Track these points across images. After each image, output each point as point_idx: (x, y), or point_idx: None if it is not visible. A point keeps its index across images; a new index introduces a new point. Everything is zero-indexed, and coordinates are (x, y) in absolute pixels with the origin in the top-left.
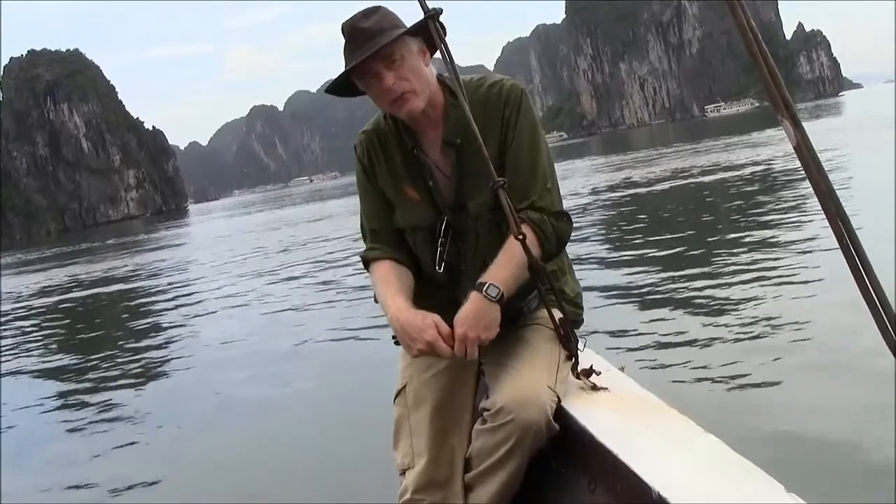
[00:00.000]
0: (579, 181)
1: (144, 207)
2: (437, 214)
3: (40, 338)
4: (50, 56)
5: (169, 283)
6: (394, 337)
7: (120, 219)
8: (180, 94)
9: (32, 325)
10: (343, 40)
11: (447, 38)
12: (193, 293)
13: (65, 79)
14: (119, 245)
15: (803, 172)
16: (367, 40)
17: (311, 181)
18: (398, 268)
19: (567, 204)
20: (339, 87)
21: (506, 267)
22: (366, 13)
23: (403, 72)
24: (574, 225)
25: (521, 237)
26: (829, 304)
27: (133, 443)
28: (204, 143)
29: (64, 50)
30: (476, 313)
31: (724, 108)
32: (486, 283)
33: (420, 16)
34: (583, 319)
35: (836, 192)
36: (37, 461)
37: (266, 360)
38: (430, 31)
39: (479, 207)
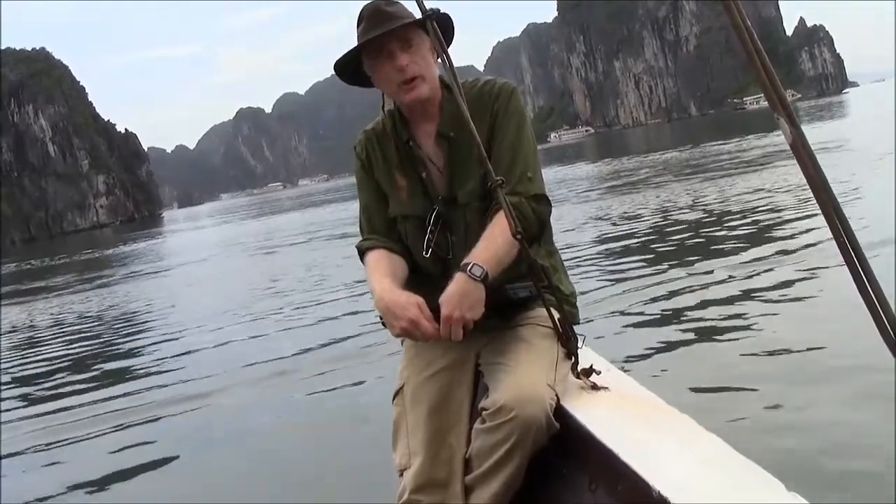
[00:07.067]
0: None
1: (115, 215)
2: (428, 204)
3: None
4: (15, 55)
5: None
6: (381, 318)
7: (88, 227)
8: (172, 96)
9: None
10: (351, 33)
11: (455, 39)
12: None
13: (30, 79)
14: (76, 266)
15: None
16: (388, 21)
17: (285, 187)
18: (390, 256)
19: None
20: (345, 70)
21: (488, 248)
22: (388, 1)
23: (416, 57)
24: (599, 239)
25: (518, 236)
26: (832, 306)
27: None
28: (191, 146)
29: (29, 49)
30: (461, 293)
31: (764, 100)
32: (470, 263)
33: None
34: (579, 319)
35: (833, 190)
36: None
37: None
38: (438, 35)
39: (468, 195)
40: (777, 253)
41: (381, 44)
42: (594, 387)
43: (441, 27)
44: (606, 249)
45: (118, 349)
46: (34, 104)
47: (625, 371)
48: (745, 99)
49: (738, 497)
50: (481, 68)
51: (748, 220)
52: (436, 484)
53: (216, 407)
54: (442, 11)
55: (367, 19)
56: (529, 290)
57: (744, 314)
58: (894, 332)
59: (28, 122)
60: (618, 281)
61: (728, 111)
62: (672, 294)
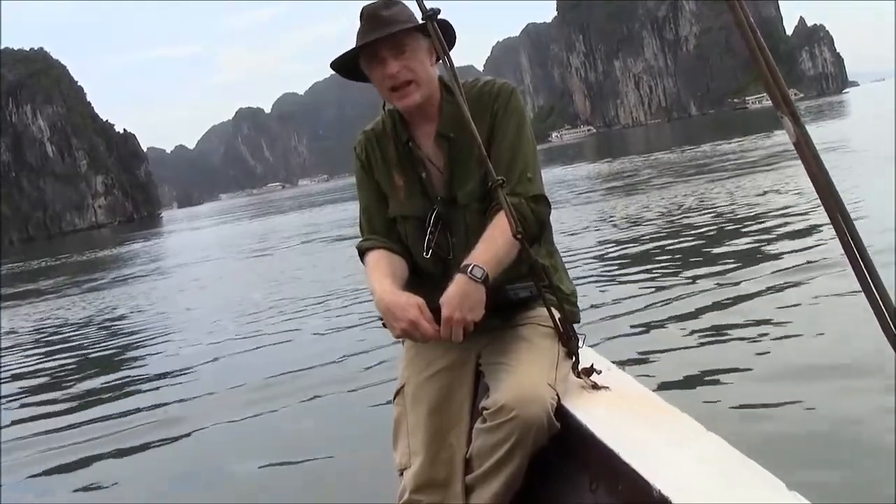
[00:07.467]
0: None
1: (113, 215)
2: (428, 205)
3: None
4: (13, 55)
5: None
6: (381, 319)
7: (87, 227)
8: (172, 96)
9: None
10: (352, 31)
11: (456, 40)
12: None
13: (28, 79)
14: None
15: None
16: (383, 26)
17: (284, 187)
18: (390, 256)
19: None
20: (344, 67)
21: (488, 249)
22: (387, 3)
23: (409, 63)
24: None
25: (519, 236)
26: (833, 304)
27: None
28: (191, 146)
29: (27, 49)
30: (461, 294)
31: (767, 100)
32: (470, 264)
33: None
34: (579, 318)
35: (837, 188)
36: None
37: None
38: (438, 35)
39: (468, 196)
40: (783, 254)
41: (374, 49)
42: (595, 386)
43: (441, 31)
44: (608, 252)
45: (101, 365)
46: (32, 104)
47: (625, 371)
48: (746, 98)
49: (739, 496)
50: (481, 68)
51: (753, 222)
52: (436, 484)
53: (213, 418)
54: (442, 18)
55: (364, 22)
56: (530, 291)
57: (748, 317)
58: (895, 325)
59: (26, 123)
60: (622, 287)
61: (728, 111)
62: (676, 297)
